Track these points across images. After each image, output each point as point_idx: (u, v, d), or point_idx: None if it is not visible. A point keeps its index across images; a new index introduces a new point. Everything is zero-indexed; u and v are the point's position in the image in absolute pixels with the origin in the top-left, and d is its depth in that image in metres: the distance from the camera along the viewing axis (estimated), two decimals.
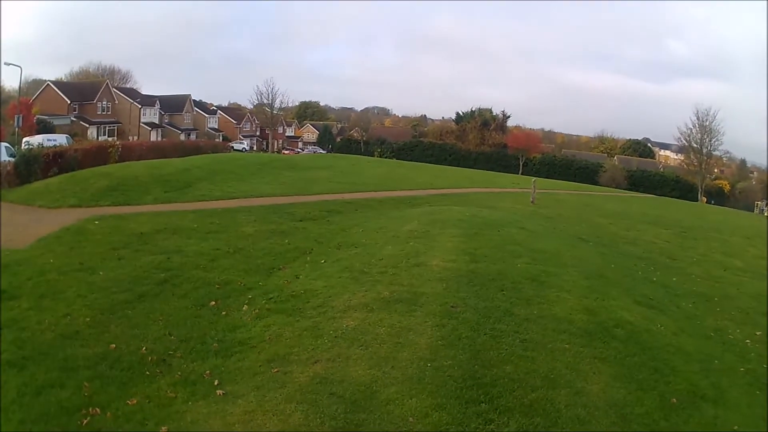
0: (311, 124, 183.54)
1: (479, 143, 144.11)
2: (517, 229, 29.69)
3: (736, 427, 12.41)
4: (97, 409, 11.59)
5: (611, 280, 22.80)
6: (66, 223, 27.67)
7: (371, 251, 23.62)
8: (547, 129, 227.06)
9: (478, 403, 11.21)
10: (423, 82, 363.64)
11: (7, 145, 55.13)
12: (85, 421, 11.22)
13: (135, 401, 11.96)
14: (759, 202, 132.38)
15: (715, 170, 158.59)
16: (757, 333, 20.59)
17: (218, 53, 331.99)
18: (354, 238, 27.63)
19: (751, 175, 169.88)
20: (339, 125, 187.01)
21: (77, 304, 17.20)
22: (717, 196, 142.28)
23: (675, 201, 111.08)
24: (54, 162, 44.60)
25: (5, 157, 47.40)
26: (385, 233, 27.73)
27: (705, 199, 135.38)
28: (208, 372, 13.12)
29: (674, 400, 12.77)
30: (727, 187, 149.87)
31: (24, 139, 64.84)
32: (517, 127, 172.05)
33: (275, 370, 12.75)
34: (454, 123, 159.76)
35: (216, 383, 12.45)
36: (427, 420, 10.44)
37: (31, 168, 41.75)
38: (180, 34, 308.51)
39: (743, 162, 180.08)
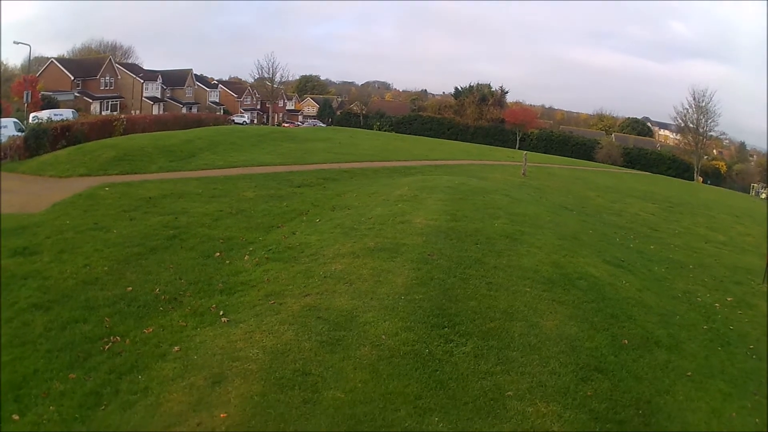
0: (311, 98, 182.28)
1: (477, 118, 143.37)
2: (502, 196, 31.08)
3: (689, 374, 13.72)
4: (117, 338, 13.57)
5: (585, 242, 24.19)
6: (78, 190, 28.94)
7: (362, 212, 25.27)
8: (547, 105, 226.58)
9: (441, 328, 13.13)
10: (424, 57, 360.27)
11: (16, 120, 56.33)
12: (106, 347, 13.17)
13: (151, 330, 13.91)
14: (755, 185, 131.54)
15: (714, 151, 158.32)
16: (728, 299, 21.69)
17: (219, 28, 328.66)
18: (347, 202, 29.22)
19: (751, 158, 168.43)
20: (339, 99, 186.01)
21: (95, 257, 18.83)
22: (713, 177, 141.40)
23: (669, 179, 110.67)
24: (62, 135, 45.80)
25: (14, 132, 48.74)
26: (377, 197, 29.25)
27: (701, 179, 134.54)
28: (214, 306, 15.05)
29: (625, 341, 14.27)
30: (724, 168, 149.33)
31: (32, 114, 65.85)
32: (517, 103, 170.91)
33: (272, 302, 14.71)
34: (452, 98, 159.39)
35: (221, 313, 14.42)
36: (396, 338, 12.38)
37: (41, 141, 43.00)
38: (181, 8, 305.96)
39: (743, 145, 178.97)
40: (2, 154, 39.91)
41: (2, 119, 55.99)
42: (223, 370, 11.13)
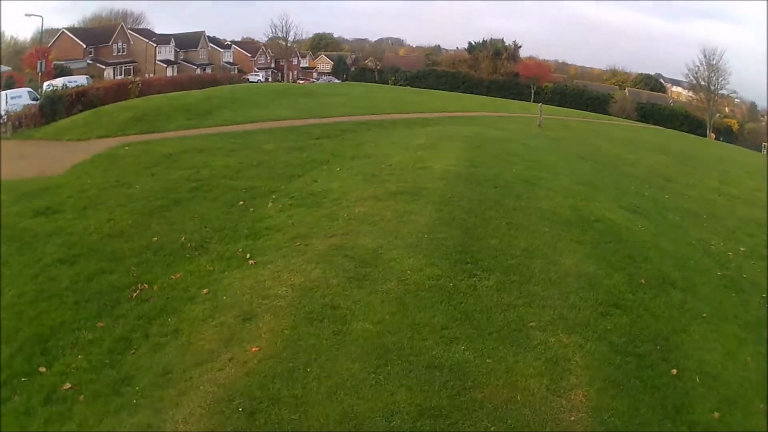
0: (325, 55, 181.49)
1: (491, 72, 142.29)
2: (519, 145, 31.33)
3: (704, 315, 13.89)
4: (145, 285, 13.91)
5: (601, 189, 24.43)
6: (97, 151, 29.18)
7: (382, 159, 25.51)
8: (560, 60, 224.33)
9: (464, 264, 13.41)
10: (437, 12, 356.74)
11: (30, 90, 56.64)
12: (134, 294, 13.53)
13: (179, 275, 14.20)
14: (766, 143, 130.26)
15: (726, 109, 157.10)
16: (741, 249, 21.81)
17: None
18: (367, 151, 29.48)
19: (762, 118, 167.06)
20: (353, 56, 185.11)
21: (118, 211, 19.15)
22: (726, 134, 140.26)
23: (682, 134, 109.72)
24: (77, 101, 45.78)
25: (29, 101, 49.04)
26: (396, 146, 29.53)
27: (714, 136, 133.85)
28: (240, 250, 15.28)
29: (642, 281, 14.45)
30: (736, 127, 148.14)
31: (46, 83, 65.73)
32: (531, 58, 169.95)
33: (297, 244, 14.98)
34: (466, 52, 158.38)
35: (248, 257, 14.66)
36: (421, 273, 12.67)
37: (56, 107, 43.02)
38: None
39: (753, 104, 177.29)
40: (17, 122, 40.16)
41: (16, 89, 56.50)
42: (253, 307, 11.44)
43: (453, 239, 14.75)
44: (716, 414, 9.91)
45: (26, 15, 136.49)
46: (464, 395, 8.96)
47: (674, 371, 10.78)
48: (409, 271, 12.71)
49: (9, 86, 65.21)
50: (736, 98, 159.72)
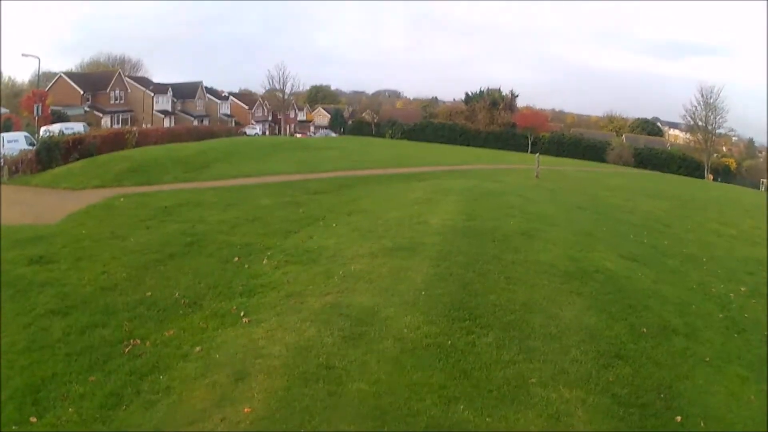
0: (323, 108, 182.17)
1: (488, 123, 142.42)
2: (516, 196, 31.24)
3: (707, 359, 13.84)
4: (138, 340, 13.67)
5: (599, 238, 24.30)
6: (93, 201, 29.22)
7: (378, 215, 25.51)
8: (557, 109, 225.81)
9: (462, 321, 13.24)
10: (434, 64, 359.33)
11: (27, 134, 56.87)
12: (126, 350, 13.25)
13: (172, 332, 14.00)
14: (765, 180, 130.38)
15: (723, 148, 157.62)
16: (742, 289, 21.66)
17: (227, 38, 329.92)
18: (363, 206, 29.40)
19: (760, 154, 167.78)
20: (350, 108, 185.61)
21: (113, 264, 18.97)
22: (724, 174, 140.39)
23: (679, 177, 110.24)
24: (74, 148, 46.07)
25: (25, 146, 49.12)
26: (392, 201, 29.54)
27: (711, 177, 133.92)
28: (234, 308, 15.12)
29: (644, 329, 14.40)
30: (734, 165, 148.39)
31: (43, 128, 66.08)
32: (528, 107, 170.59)
33: (292, 301, 14.79)
34: (463, 104, 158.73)
35: (242, 314, 14.48)
36: (419, 331, 12.48)
37: (53, 154, 43.13)
38: (187, 20, 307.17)
39: (751, 141, 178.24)
40: (13, 167, 40.17)
41: (13, 133, 56.69)
42: (246, 367, 11.21)
43: (450, 295, 14.62)
44: None
45: (23, 55, 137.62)
46: None
47: (678, 418, 10.69)
48: (405, 330, 12.54)
49: (7, 129, 65.46)
50: (734, 136, 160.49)
